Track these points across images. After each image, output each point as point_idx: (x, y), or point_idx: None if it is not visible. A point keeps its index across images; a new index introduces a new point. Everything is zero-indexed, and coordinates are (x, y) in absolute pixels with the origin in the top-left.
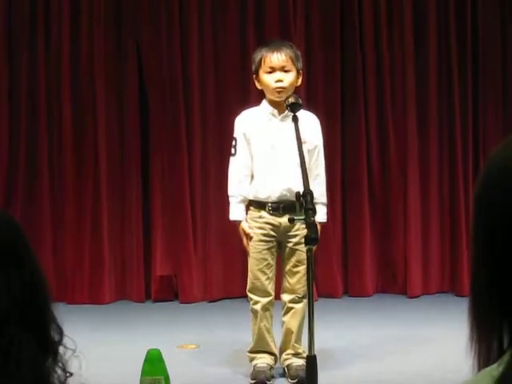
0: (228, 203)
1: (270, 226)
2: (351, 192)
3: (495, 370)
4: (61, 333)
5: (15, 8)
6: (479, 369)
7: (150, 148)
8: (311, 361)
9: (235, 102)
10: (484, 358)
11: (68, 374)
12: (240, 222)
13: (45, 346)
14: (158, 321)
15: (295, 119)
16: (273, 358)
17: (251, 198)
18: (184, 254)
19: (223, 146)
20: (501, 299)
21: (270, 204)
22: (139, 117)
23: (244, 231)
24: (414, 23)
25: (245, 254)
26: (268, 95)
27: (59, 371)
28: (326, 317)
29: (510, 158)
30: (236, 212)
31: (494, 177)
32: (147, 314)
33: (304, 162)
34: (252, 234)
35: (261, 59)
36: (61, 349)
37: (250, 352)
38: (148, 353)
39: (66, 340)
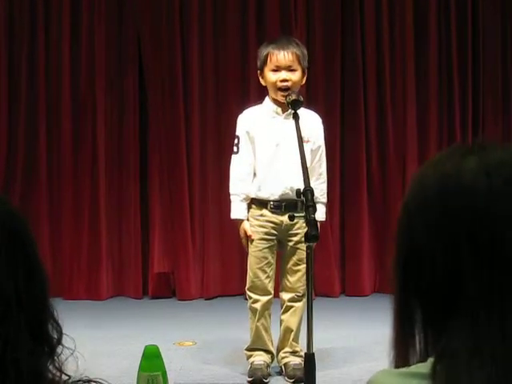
0: (227, 201)
1: (271, 225)
2: (350, 192)
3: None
4: (60, 331)
5: (16, 9)
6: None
7: (149, 146)
8: (310, 358)
9: (235, 101)
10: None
11: (64, 375)
12: (242, 220)
13: (41, 341)
14: (155, 318)
15: (296, 116)
16: (270, 355)
17: (253, 196)
18: (182, 252)
19: (222, 144)
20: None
21: (271, 202)
22: (139, 114)
23: (245, 231)
24: (415, 25)
25: (242, 252)
26: (271, 93)
27: (55, 370)
28: (323, 316)
29: (446, 177)
30: (238, 211)
31: (431, 198)
32: (144, 311)
33: (305, 159)
34: (253, 237)
35: (267, 56)
36: (59, 348)
37: (248, 350)
38: (146, 349)
39: (64, 338)
